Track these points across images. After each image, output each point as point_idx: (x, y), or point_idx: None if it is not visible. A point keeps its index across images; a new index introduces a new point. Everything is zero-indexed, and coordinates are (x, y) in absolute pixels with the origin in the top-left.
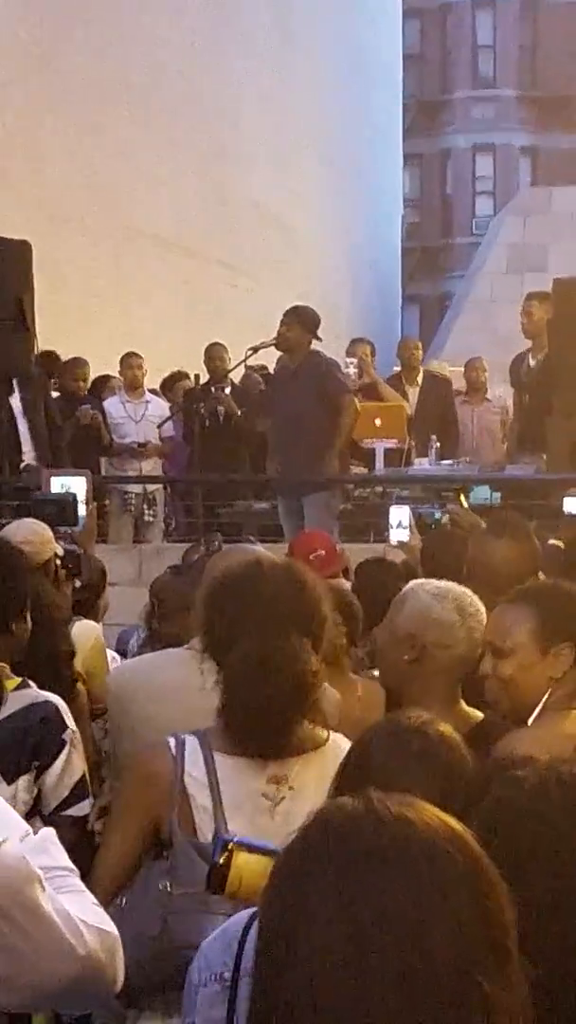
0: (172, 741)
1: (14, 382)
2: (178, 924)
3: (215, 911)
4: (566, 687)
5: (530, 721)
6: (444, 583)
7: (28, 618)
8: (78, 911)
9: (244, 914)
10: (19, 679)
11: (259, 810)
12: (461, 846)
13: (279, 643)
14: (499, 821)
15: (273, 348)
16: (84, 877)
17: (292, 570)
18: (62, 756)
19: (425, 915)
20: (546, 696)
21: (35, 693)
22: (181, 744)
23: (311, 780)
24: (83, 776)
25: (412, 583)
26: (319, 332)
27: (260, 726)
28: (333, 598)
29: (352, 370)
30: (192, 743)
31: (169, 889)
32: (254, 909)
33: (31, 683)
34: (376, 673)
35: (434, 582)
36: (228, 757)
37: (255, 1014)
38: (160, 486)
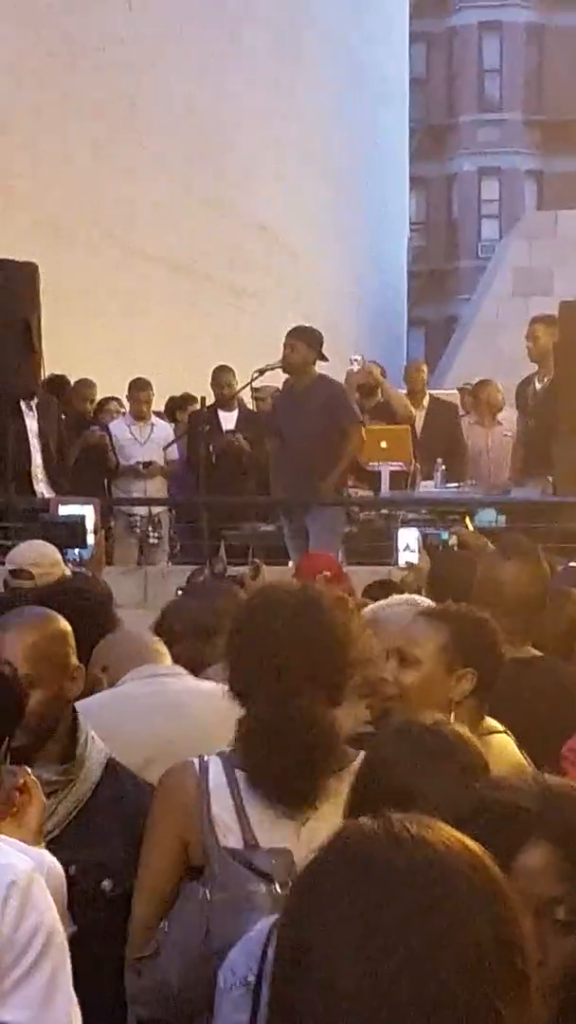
0: (196, 763)
1: (30, 405)
2: (219, 927)
3: (257, 907)
4: (465, 713)
5: None
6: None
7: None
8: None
9: (269, 921)
10: None
11: (284, 830)
12: (480, 868)
13: (292, 706)
14: None
15: (279, 370)
16: None
17: (311, 609)
18: None
19: (442, 937)
20: (452, 719)
21: None
22: (205, 767)
23: (337, 799)
24: None
25: (367, 608)
26: (324, 351)
27: (281, 787)
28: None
29: (355, 367)
30: (215, 766)
31: (209, 896)
32: (276, 918)
33: None
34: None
35: (381, 602)
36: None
37: None
38: (165, 508)
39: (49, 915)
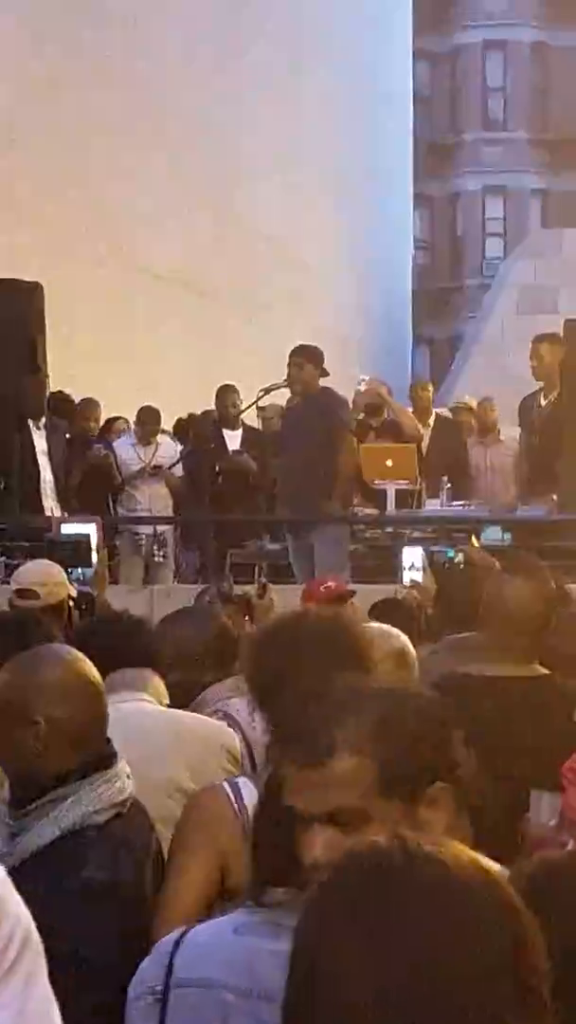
0: (227, 787)
1: (39, 425)
2: None
3: None
4: None
5: None
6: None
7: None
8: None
9: (175, 933)
10: None
11: None
12: (495, 888)
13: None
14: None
15: (284, 388)
16: None
17: (336, 616)
18: None
19: (456, 958)
20: None
21: None
22: (236, 788)
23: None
24: None
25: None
26: (331, 370)
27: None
28: None
29: (362, 386)
30: (247, 786)
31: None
32: (184, 928)
33: None
34: None
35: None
36: None
37: None
38: (170, 527)
39: (24, 915)
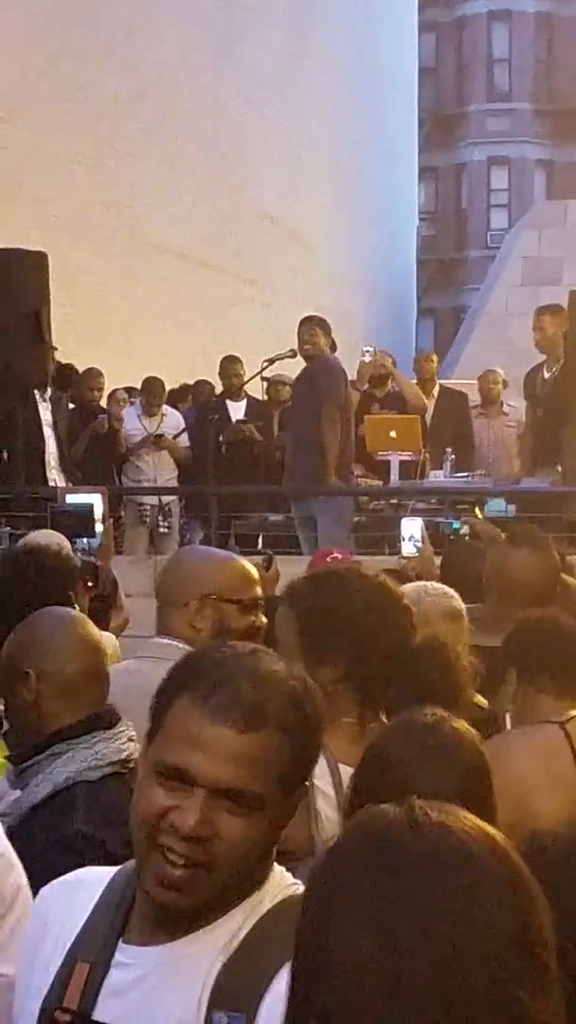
0: None
1: (44, 396)
2: None
3: None
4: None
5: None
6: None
7: None
8: None
9: None
10: None
11: None
12: (501, 856)
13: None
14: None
15: (288, 359)
16: None
17: (386, 590)
18: None
19: (463, 926)
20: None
21: None
22: None
23: None
24: None
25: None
26: (335, 340)
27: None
28: None
29: (367, 357)
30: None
31: None
32: None
33: None
34: None
35: (413, 585)
36: (349, 767)
37: (292, 1021)
38: (175, 497)
39: (24, 873)
